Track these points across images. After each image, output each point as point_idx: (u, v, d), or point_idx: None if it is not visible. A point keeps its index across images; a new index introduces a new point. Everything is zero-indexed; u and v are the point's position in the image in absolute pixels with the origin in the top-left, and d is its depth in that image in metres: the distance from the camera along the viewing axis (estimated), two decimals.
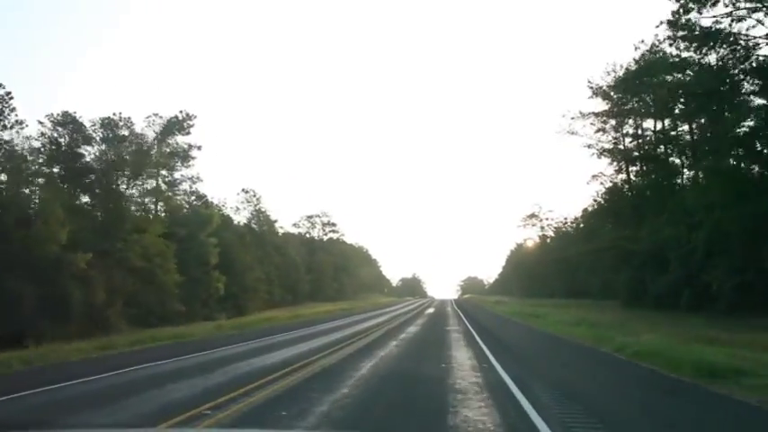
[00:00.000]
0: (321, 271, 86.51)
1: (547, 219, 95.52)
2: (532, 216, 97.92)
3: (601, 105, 50.38)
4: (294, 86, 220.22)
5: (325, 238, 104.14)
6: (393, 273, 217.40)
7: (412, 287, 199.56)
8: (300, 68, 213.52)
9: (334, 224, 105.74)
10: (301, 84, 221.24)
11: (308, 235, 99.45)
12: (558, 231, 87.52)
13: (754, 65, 31.61)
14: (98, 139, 39.44)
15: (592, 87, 49.77)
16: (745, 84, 32.80)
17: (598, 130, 51.23)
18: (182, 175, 47.42)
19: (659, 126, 48.89)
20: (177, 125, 44.64)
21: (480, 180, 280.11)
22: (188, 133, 45.26)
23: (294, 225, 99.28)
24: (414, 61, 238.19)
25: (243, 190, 69.40)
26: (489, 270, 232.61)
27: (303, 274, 76.21)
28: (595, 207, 55.90)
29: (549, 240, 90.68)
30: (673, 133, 47.11)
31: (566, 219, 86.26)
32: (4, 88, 30.55)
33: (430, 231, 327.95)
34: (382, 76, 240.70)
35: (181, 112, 44.27)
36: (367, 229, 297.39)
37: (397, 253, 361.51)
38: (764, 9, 30.61)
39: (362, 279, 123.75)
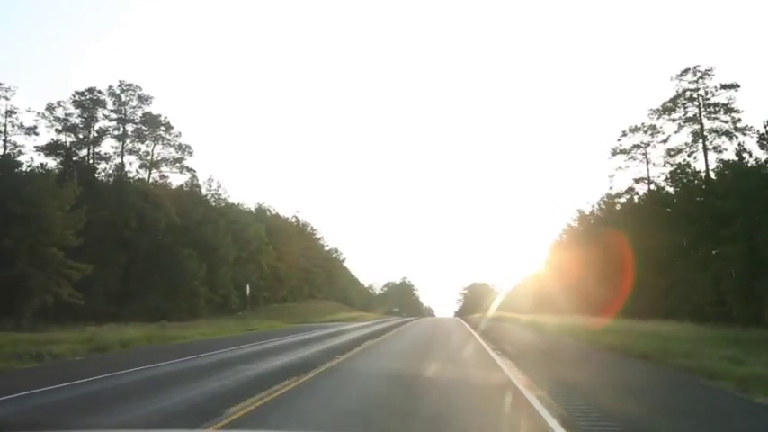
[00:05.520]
0: (135, 247, 41.99)
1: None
2: (688, 97, 38.63)
3: None
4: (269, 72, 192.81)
5: (174, 175, 53.87)
6: (379, 278, 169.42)
7: (400, 295, 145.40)
8: (283, 61, 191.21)
9: (185, 148, 52.59)
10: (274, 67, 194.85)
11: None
12: None
13: None
14: None
15: None
16: None
17: None
18: None
19: None
20: None
21: (475, 168, 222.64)
22: None
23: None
24: (406, 57, 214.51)
25: None
26: (501, 275, 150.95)
27: None
28: None
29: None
30: None
31: None
32: None
33: (424, 229, 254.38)
34: (371, 64, 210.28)
35: None
36: (345, 225, 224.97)
37: (386, 254, 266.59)
38: None
39: (279, 274, 68.59)
